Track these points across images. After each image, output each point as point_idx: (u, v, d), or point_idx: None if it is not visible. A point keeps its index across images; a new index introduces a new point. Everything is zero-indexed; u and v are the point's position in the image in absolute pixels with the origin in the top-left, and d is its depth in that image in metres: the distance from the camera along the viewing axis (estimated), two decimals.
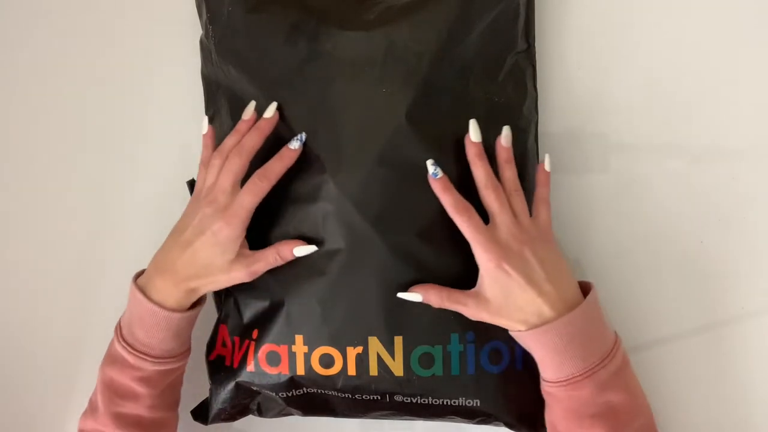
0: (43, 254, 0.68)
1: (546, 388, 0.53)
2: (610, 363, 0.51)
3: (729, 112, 0.61)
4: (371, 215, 0.53)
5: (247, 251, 0.54)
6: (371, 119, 0.53)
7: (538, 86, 0.59)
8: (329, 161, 0.54)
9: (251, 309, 0.57)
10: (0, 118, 0.68)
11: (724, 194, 0.61)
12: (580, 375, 0.50)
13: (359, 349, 0.54)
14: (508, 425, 0.56)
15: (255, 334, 0.56)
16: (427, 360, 0.54)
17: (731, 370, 0.61)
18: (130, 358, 0.55)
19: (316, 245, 0.54)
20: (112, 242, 0.67)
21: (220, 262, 0.53)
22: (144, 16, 0.67)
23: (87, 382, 0.67)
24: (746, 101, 0.61)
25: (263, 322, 0.56)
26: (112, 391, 0.56)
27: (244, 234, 0.53)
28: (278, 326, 0.55)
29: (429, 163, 0.52)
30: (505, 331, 0.54)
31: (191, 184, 0.60)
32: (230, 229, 0.52)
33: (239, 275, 0.53)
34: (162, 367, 0.55)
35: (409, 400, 0.55)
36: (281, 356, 0.55)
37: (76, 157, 0.67)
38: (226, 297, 0.59)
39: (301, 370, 0.55)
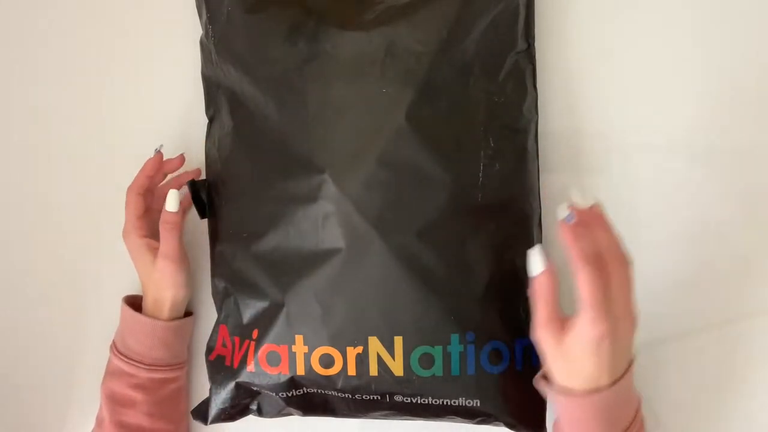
0: (43, 255, 0.68)
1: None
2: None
3: (729, 112, 0.61)
4: (371, 215, 0.53)
5: (154, 242, 0.60)
6: (371, 119, 0.53)
7: (538, 86, 0.59)
8: (329, 161, 0.54)
9: (251, 309, 0.57)
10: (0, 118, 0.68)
11: (724, 194, 0.61)
12: None
13: (359, 349, 0.54)
14: (508, 425, 0.56)
15: (255, 334, 0.56)
16: (427, 360, 0.54)
17: (732, 370, 0.61)
18: (125, 367, 0.59)
19: (315, 246, 0.54)
20: (112, 242, 0.67)
21: (146, 269, 0.60)
22: (144, 16, 0.67)
23: (86, 385, 0.67)
24: (746, 101, 0.61)
25: (263, 322, 0.56)
26: (113, 401, 0.60)
27: (142, 243, 0.59)
28: (278, 326, 0.55)
29: (562, 208, 0.50)
30: (505, 331, 0.55)
31: (193, 185, 0.60)
32: (125, 238, 0.61)
33: (161, 265, 0.59)
34: (155, 375, 0.60)
35: (409, 401, 0.55)
36: (281, 356, 0.55)
37: (75, 157, 0.67)
38: (226, 297, 0.59)
39: (301, 370, 0.55)
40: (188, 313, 0.63)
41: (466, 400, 0.55)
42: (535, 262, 0.50)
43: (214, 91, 0.60)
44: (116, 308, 0.66)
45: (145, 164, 0.61)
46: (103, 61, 0.67)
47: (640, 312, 0.52)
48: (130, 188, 0.61)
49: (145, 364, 0.59)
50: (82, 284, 0.68)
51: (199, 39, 0.61)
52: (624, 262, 0.50)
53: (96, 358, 0.67)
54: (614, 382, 0.49)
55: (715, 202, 0.61)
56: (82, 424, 0.67)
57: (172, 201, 0.57)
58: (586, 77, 0.62)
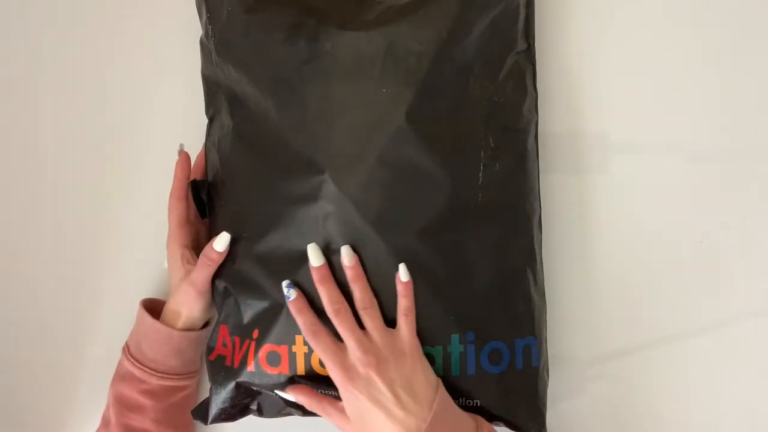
0: (43, 255, 0.68)
1: None
2: None
3: (729, 112, 0.61)
4: (371, 215, 0.53)
5: (192, 266, 0.59)
6: (371, 119, 0.53)
7: (538, 86, 0.59)
8: (329, 161, 0.54)
9: (251, 309, 0.57)
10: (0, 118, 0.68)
11: (724, 194, 0.61)
12: None
13: None
14: (508, 425, 0.56)
15: (255, 334, 0.56)
16: (427, 360, 0.54)
17: (731, 370, 0.61)
18: (137, 372, 0.60)
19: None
20: (113, 243, 0.67)
21: (176, 281, 0.60)
22: (144, 16, 0.67)
23: (87, 385, 0.67)
24: (746, 101, 0.61)
25: (263, 322, 0.56)
26: (122, 404, 0.60)
27: (178, 254, 0.60)
28: (278, 326, 0.55)
29: (284, 284, 0.54)
30: (505, 331, 0.55)
31: (193, 185, 0.60)
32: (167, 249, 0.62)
33: (185, 287, 0.59)
34: (166, 383, 0.60)
35: None
36: (281, 356, 0.55)
37: (75, 157, 0.67)
38: (226, 297, 0.59)
39: (301, 370, 0.55)
40: (206, 324, 0.64)
41: (466, 400, 0.55)
42: (289, 396, 0.54)
43: (214, 91, 0.60)
44: (118, 308, 0.67)
45: (176, 168, 0.61)
46: (103, 61, 0.67)
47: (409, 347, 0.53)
48: (170, 195, 0.61)
49: (157, 372, 0.60)
50: (84, 284, 0.68)
51: (199, 39, 0.61)
52: (362, 306, 0.53)
53: (97, 358, 0.67)
54: (416, 430, 0.50)
55: (715, 202, 0.61)
56: (82, 424, 0.68)
57: (222, 241, 0.57)
58: (586, 77, 0.62)
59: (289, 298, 0.54)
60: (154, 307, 0.62)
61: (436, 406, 0.51)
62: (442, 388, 0.52)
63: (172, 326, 0.60)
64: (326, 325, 0.53)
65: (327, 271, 0.53)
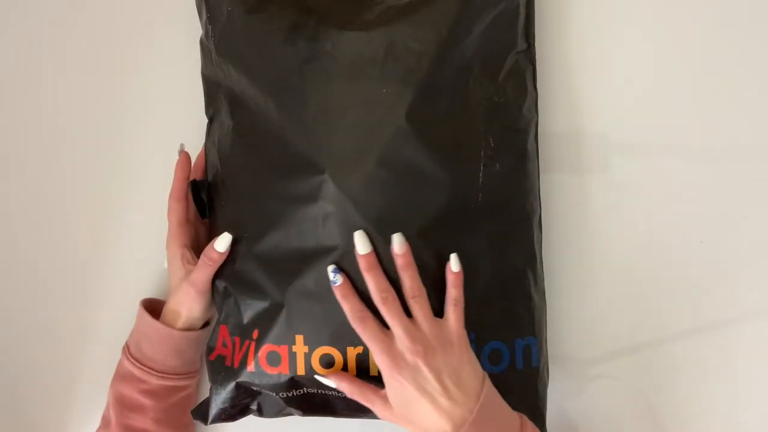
0: (43, 255, 0.68)
1: None
2: None
3: (729, 112, 0.61)
4: (371, 215, 0.53)
5: (192, 266, 0.59)
6: (371, 119, 0.53)
7: (538, 86, 0.59)
8: (329, 161, 0.54)
9: (251, 309, 0.57)
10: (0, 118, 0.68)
11: (724, 194, 0.61)
12: None
13: (359, 349, 0.54)
14: None
15: (255, 334, 0.56)
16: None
17: (731, 370, 0.61)
18: (137, 372, 0.60)
19: (315, 246, 0.54)
20: (113, 243, 0.67)
21: (176, 281, 0.60)
22: (144, 16, 0.67)
23: (87, 385, 0.67)
24: (746, 101, 0.61)
25: (263, 322, 0.56)
26: (122, 404, 0.60)
27: (178, 254, 0.60)
28: (278, 326, 0.55)
29: (330, 269, 0.53)
30: (505, 331, 0.55)
31: (193, 185, 0.60)
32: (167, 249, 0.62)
33: (185, 287, 0.59)
34: (166, 383, 0.60)
35: None
36: (281, 356, 0.55)
37: (75, 157, 0.67)
38: (226, 297, 0.59)
39: (301, 370, 0.55)
40: (206, 324, 0.64)
41: None
42: (327, 380, 0.53)
43: (214, 91, 0.60)
44: (118, 308, 0.67)
45: (177, 168, 0.61)
46: (103, 61, 0.67)
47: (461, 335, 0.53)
48: (170, 195, 0.61)
49: (157, 371, 0.60)
50: (84, 284, 0.68)
51: (199, 39, 0.61)
52: (411, 295, 0.52)
53: (97, 358, 0.67)
54: (458, 427, 0.49)
55: (715, 202, 0.61)
56: (82, 424, 0.68)
57: (223, 241, 0.57)
58: (586, 77, 0.62)
59: (335, 283, 0.53)
60: (154, 307, 0.62)
61: (483, 398, 0.50)
62: (488, 381, 0.52)
63: (171, 326, 0.60)
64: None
65: (374, 259, 0.52)
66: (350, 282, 0.53)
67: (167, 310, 0.61)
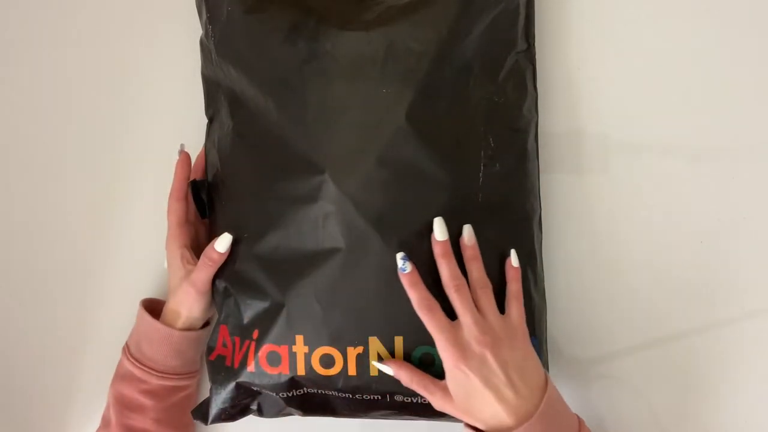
0: (43, 255, 0.68)
1: None
2: None
3: (729, 112, 0.61)
4: (371, 215, 0.53)
5: (192, 266, 0.59)
6: (371, 119, 0.53)
7: (538, 86, 0.59)
8: (329, 161, 0.54)
9: (251, 309, 0.57)
10: (0, 118, 0.68)
11: (724, 194, 0.61)
12: None
13: (360, 349, 0.54)
14: None
15: (255, 334, 0.56)
16: (427, 360, 0.54)
17: (731, 370, 0.61)
18: (137, 372, 0.60)
19: (315, 246, 0.54)
20: (113, 243, 0.67)
21: (176, 281, 0.60)
22: (144, 16, 0.67)
23: (87, 385, 0.67)
24: (746, 101, 0.61)
25: (264, 322, 0.56)
26: (122, 404, 0.60)
27: (178, 254, 0.60)
28: (278, 326, 0.55)
29: (399, 257, 0.52)
30: None
31: (193, 185, 0.60)
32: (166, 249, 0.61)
33: (185, 287, 0.59)
34: (166, 382, 0.60)
35: (409, 400, 0.55)
36: (281, 356, 0.55)
37: (75, 157, 0.67)
38: (226, 297, 0.59)
39: (301, 371, 0.55)
40: (206, 324, 0.64)
41: None
42: (385, 367, 0.53)
43: (214, 91, 0.60)
44: (118, 308, 0.67)
45: (177, 168, 0.61)
46: (103, 61, 0.67)
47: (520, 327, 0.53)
48: (170, 195, 0.61)
49: (157, 371, 0.60)
50: (84, 284, 0.68)
51: (199, 39, 0.61)
52: (478, 286, 0.52)
53: (97, 358, 0.67)
54: (521, 422, 0.49)
55: (715, 202, 0.61)
56: (82, 424, 0.68)
57: (223, 242, 0.57)
58: (586, 77, 0.62)
59: (404, 270, 0.52)
60: (154, 307, 0.62)
61: (548, 394, 0.50)
62: (550, 379, 0.52)
63: (171, 326, 0.60)
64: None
65: (449, 247, 0.52)
66: (417, 271, 0.52)
67: (167, 310, 0.61)
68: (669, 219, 0.61)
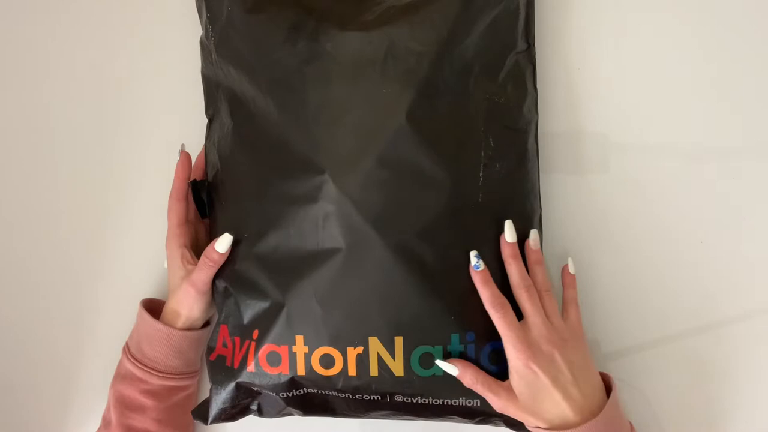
0: (43, 255, 0.68)
1: None
2: None
3: (729, 112, 0.61)
4: (371, 215, 0.53)
5: (192, 266, 0.59)
6: (371, 119, 0.53)
7: (538, 86, 0.59)
8: (329, 161, 0.54)
9: (251, 309, 0.57)
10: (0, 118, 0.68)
11: (723, 194, 0.61)
12: None
13: (359, 349, 0.54)
14: (509, 425, 0.56)
15: (255, 334, 0.56)
16: (427, 360, 0.54)
17: (732, 370, 0.61)
18: (138, 372, 0.59)
19: (315, 246, 0.54)
20: (113, 243, 0.67)
21: (176, 280, 0.60)
22: (144, 16, 0.67)
23: (87, 385, 0.67)
24: (746, 101, 0.61)
25: (264, 322, 0.56)
26: (123, 405, 0.60)
27: (178, 254, 0.60)
28: (278, 326, 0.55)
29: (472, 254, 0.53)
30: None
31: (193, 185, 0.60)
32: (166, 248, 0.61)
33: (185, 287, 0.59)
34: (167, 383, 0.60)
35: (409, 400, 0.55)
36: (281, 356, 0.55)
37: (75, 157, 0.67)
38: (226, 297, 0.59)
39: (301, 371, 0.55)
40: (206, 324, 0.64)
41: (466, 400, 0.55)
42: (449, 366, 0.53)
43: (214, 91, 0.60)
44: (118, 308, 0.67)
45: (177, 168, 0.61)
46: (103, 61, 0.67)
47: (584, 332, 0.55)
48: (170, 195, 0.61)
49: (158, 371, 0.60)
50: (84, 284, 0.68)
51: (199, 39, 0.61)
52: (543, 289, 0.54)
53: (97, 358, 0.67)
54: (585, 420, 0.50)
55: (715, 202, 0.61)
56: (82, 425, 0.68)
57: (223, 242, 0.57)
58: (586, 77, 0.62)
59: (477, 268, 0.53)
60: (154, 307, 0.62)
61: (613, 393, 0.52)
62: (613, 380, 0.53)
63: (171, 326, 0.60)
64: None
65: (518, 249, 0.54)
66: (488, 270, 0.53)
67: (167, 310, 0.61)
68: (669, 219, 0.61)
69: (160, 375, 0.60)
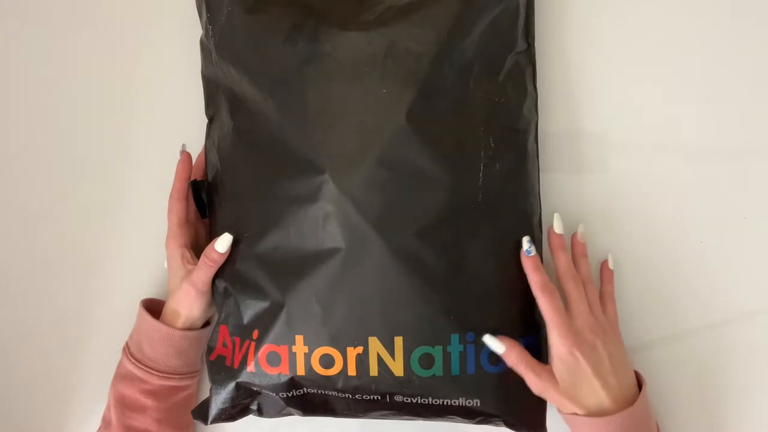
0: (43, 255, 0.68)
1: None
2: None
3: (729, 112, 0.61)
4: (371, 215, 0.53)
5: (192, 266, 0.59)
6: (371, 120, 0.53)
7: (538, 86, 0.59)
8: (329, 161, 0.54)
9: (251, 309, 0.57)
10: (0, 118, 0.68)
11: (724, 194, 0.61)
12: None
13: (359, 349, 0.54)
14: (508, 425, 0.56)
15: (255, 334, 0.56)
16: (427, 360, 0.54)
17: (731, 370, 0.61)
18: (138, 372, 0.59)
19: (315, 246, 0.54)
20: (112, 242, 0.67)
21: (176, 281, 0.60)
22: (144, 16, 0.67)
23: (86, 385, 0.67)
24: (746, 101, 0.61)
25: (263, 322, 0.56)
26: (123, 405, 0.60)
27: (178, 254, 0.60)
28: (278, 326, 0.55)
29: (525, 240, 0.55)
30: (505, 331, 0.55)
31: (193, 185, 0.60)
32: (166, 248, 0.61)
33: (185, 287, 0.59)
34: (167, 383, 0.60)
35: (409, 400, 0.55)
36: (281, 356, 0.55)
37: (75, 157, 0.67)
38: (226, 297, 0.59)
39: (301, 371, 0.55)
40: (207, 323, 0.64)
41: (466, 400, 0.55)
42: (496, 344, 0.53)
43: (214, 91, 0.60)
44: (118, 308, 0.67)
45: (178, 168, 0.62)
46: (103, 61, 0.67)
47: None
48: (171, 195, 0.61)
49: (158, 371, 0.60)
50: (84, 284, 0.68)
51: (199, 39, 0.61)
52: (587, 281, 0.57)
53: (97, 358, 0.67)
54: (621, 409, 0.52)
55: (715, 202, 0.61)
56: (82, 425, 0.68)
57: (223, 242, 0.57)
58: (586, 78, 0.62)
59: (529, 253, 0.55)
60: (153, 307, 0.62)
61: (644, 387, 0.54)
62: (646, 386, 0.55)
63: (171, 326, 0.60)
64: None
65: (564, 240, 0.57)
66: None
67: (167, 310, 0.61)
68: (669, 219, 0.61)
69: (161, 375, 0.60)
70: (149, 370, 0.59)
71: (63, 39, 0.67)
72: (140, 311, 0.61)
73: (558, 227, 0.57)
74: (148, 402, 0.60)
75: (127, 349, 0.61)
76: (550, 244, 0.57)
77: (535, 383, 0.53)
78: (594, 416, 0.52)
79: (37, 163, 0.68)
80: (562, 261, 0.56)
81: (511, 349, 0.53)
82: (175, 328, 0.60)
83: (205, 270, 0.58)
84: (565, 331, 0.52)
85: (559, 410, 0.54)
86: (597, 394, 0.52)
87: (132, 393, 0.60)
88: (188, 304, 0.60)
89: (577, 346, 0.52)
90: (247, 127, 0.57)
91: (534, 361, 0.54)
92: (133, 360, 0.60)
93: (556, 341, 0.53)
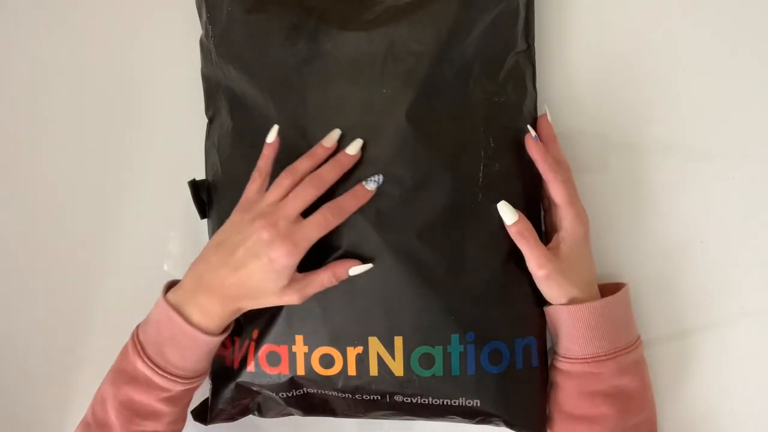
0: (43, 255, 0.68)
1: (563, 366, 0.55)
2: (633, 351, 0.54)
3: (729, 111, 0.61)
4: (371, 215, 0.53)
5: (298, 275, 0.52)
6: (371, 119, 0.53)
7: (538, 86, 0.59)
8: None
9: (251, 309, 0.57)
10: (0, 117, 0.68)
11: (724, 194, 0.61)
12: (604, 355, 0.53)
13: (359, 349, 0.54)
14: (508, 425, 0.56)
15: (255, 334, 0.56)
16: (427, 360, 0.54)
17: (731, 370, 0.61)
18: (159, 380, 0.53)
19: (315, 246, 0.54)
20: (112, 243, 0.67)
21: (273, 287, 0.51)
22: (144, 16, 0.67)
23: (87, 386, 0.67)
24: (746, 101, 0.61)
25: (263, 322, 0.56)
26: (132, 411, 0.54)
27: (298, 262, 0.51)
28: (278, 326, 0.55)
29: (530, 128, 0.55)
30: (505, 331, 0.55)
31: (193, 185, 0.60)
32: (288, 258, 0.50)
33: (291, 299, 0.52)
34: (190, 386, 0.55)
35: (409, 400, 0.55)
36: (281, 356, 0.55)
37: (75, 157, 0.67)
38: None
39: (301, 371, 0.55)
40: None
41: (466, 400, 0.55)
42: (507, 212, 0.54)
43: (214, 91, 0.60)
44: (118, 308, 0.66)
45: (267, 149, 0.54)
46: (103, 61, 0.67)
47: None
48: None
49: (184, 378, 0.54)
50: (84, 284, 0.68)
51: (199, 39, 0.61)
52: (569, 167, 0.57)
53: (97, 358, 0.67)
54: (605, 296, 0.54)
55: (715, 202, 0.61)
56: None
57: (358, 268, 0.53)
58: (586, 77, 0.62)
59: (536, 139, 0.55)
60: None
61: (626, 290, 0.56)
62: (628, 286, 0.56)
63: (207, 331, 0.53)
64: None
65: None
66: None
67: (201, 308, 0.53)
68: (668, 219, 0.61)
69: (186, 381, 0.54)
70: (173, 378, 0.53)
71: (63, 39, 0.67)
72: (166, 310, 0.52)
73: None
74: (165, 409, 0.54)
75: (141, 351, 0.53)
76: (541, 137, 0.56)
77: (538, 255, 0.53)
78: (582, 302, 0.53)
79: (37, 164, 0.68)
80: (555, 149, 0.57)
81: (522, 220, 0.54)
82: (213, 334, 0.53)
83: (320, 287, 0.52)
84: (583, 212, 0.54)
85: (547, 302, 0.55)
86: (588, 280, 0.54)
87: (147, 400, 0.53)
88: (269, 306, 0.53)
89: (588, 232, 0.54)
90: (247, 127, 0.57)
91: (544, 247, 0.54)
92: (152, 365, 0.53)
93: (574, 221, 0.54)
